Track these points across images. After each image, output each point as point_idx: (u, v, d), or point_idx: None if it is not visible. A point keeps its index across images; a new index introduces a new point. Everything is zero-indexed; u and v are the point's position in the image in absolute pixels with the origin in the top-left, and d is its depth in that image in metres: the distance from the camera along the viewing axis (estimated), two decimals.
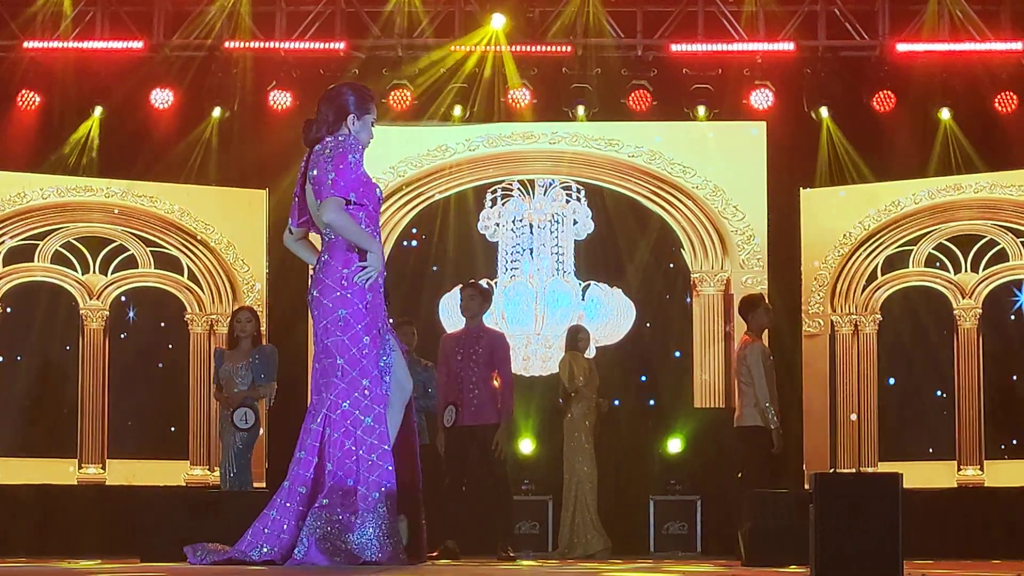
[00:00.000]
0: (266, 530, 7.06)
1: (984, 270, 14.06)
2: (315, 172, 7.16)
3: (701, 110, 14.39)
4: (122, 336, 14.30)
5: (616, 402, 13.71)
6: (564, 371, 12.75)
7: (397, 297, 14.53)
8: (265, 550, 6.98)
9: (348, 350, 7.11)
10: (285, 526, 7.05)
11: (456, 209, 14.70)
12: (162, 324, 14.44)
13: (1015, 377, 13.88)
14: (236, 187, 14.59)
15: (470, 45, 14.16)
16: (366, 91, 7.50)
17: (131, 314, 14.33)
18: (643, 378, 14.61)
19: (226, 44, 14.12)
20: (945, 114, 14.14)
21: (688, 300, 14.59)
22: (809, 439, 14.09)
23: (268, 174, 14.57)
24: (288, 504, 7.12)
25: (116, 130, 14.37)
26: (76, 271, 14.24)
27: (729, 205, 14.55)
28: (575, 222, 14.70)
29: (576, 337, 12.97)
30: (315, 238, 7.50)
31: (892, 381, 14.21)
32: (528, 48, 14.20)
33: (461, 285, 12.03)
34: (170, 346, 14.41)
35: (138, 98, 14.26)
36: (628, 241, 14.67)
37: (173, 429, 14.20)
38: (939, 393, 14.05)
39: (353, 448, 7.12)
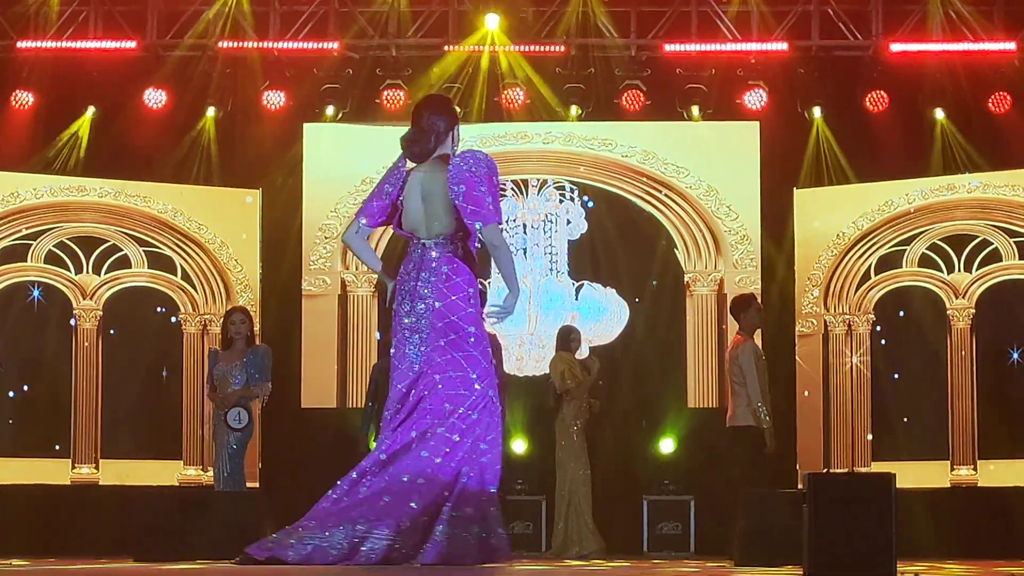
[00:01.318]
0: (381, 510, 7.15)
1: (977, 270, 14.06)
2: (464, 188, 7.27)
3: (695, 110, 14.40)
4: (111, 332, 14.30)
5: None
6: (555, 372, 12.73)
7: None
8: (377, 528, 7.06)
9: (480, 365, 7.34)
10: (410, 518, 7.12)
11: None
12: (155, 324, 14.42)
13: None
14: (230, 187, 14.58)
15: (467, 46, 14.16)
16: (451, 101, 7.98)
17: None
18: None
19: (220, 44, 14.12)
20: (939, 114, 14.15)
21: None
22: (802, 439, 14.10)
23: (262, 174, 14.59)
24: (417, 503, 7.16)
25: (110, 130, 14.35)
26: (69, 271, 14.23)
27: (723, 205, 14.55)
28: (568, 222, 14.69)
29: (568, 338, 12.95)
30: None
31: (886, 380, 14.22)
32: (521, 48, 14.20)
33: None
34: (163, 346, 14.39)
35: (132, 98, 14.25)
36: (622, 241, 14.68)
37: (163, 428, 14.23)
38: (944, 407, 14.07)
39: (484, 459, 7.32)
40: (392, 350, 7.47)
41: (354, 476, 7.32)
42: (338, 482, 7.37)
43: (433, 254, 7.40)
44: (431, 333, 7.35)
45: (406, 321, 7.41)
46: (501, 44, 14.08)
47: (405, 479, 7.23)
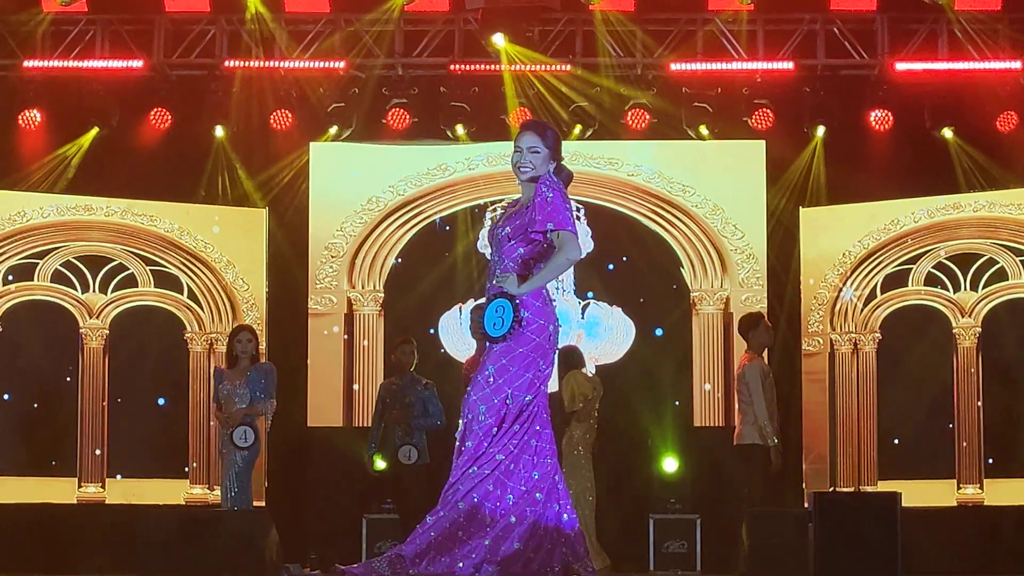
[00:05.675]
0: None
1: (984, 289, 14.05)
2: None
3: (701, 129, 14.40)
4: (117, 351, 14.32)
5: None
6: (566, 391, 12.69)
7: (395, 315, 14.56)
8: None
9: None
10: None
11: (456, 227, 14.70)
12: (162, 343, 14.42)
13: None
14: (236, 206, 14.60)
15: (477, 65, 14.21)
16: None
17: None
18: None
19: (226, 63, 14.15)
20: (947, 133, 14.15)
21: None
22: (809, 457, 14.09)
23: (268, 193, 14.60)
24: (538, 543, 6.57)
25: (116, 149, 14.36)
26: (76, 290, 14.24)
27: (728, 224, 14.56)
28: None
29: (571, 357, 12.93)
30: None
31: (892, 399, 14.21)
32: (527, 67, 14.21)
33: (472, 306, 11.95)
34: (170, 365, 14.38)
35: (138, 117, 14.28)
36: (628, 260, 14.69)
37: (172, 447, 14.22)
38: (950, 425, 14.01)
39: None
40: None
41: None
42: None
43: None
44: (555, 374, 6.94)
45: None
46: (525, 62, 14.05)
47: (512, 520, 6.68)
